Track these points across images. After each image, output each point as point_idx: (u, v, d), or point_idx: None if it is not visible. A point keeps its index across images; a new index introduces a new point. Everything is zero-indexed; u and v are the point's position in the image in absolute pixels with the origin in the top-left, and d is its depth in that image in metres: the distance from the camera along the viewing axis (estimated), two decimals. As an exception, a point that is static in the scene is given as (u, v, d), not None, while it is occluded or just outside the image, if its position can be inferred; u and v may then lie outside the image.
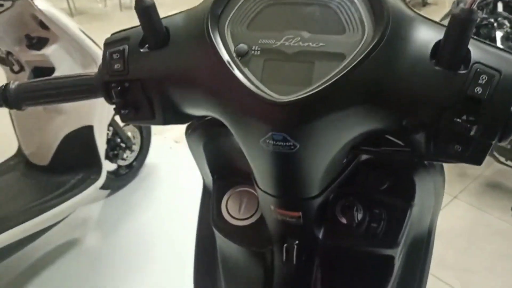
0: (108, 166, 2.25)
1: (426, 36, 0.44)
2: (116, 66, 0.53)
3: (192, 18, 0.52)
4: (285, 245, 0.63)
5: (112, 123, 2.12)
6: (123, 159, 2.30)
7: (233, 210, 0.74)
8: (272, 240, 0.66)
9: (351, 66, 0.42)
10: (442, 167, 0.62)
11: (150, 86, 0.53)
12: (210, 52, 0.47)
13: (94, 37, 1.73)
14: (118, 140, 2.22)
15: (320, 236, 0.63)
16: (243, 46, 0.47)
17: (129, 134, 2.30)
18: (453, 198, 2.36)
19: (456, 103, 0.41)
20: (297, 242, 0.62)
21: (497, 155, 2.35)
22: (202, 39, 0.48)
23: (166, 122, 0.57)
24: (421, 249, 0.71)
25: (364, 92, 0.43)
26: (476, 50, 0.42)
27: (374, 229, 0.60)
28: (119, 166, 2.35)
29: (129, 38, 0.54)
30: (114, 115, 2.09)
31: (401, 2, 0.47)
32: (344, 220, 0.62)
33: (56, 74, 1.67)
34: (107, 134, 2.14)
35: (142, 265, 1.92)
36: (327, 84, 0.42)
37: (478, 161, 0.45)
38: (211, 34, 0.48)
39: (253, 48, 0.47)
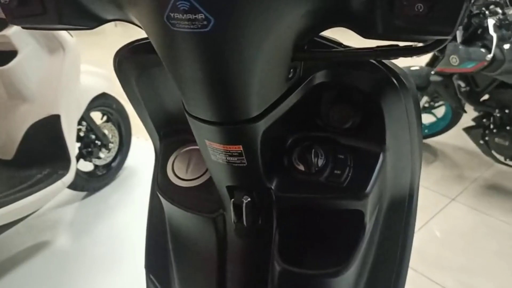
0: (83, 166, 2.13)
1: None
2: None
3: None
4: (232, 200, 0.52)
5: (86, 118, 2.01)
6: (98, 157, 2.17)
7: (180, 171, 0.64)
8: (222, 199, 0.56)
9: None
10: (415, 91, 0.51)
11: None
12: None
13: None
14: (93, 137, 2.10)
15: (273, 187, 0.52)
16: None
17: (106, 131, 2.19)
18: (451, 200, 2.22)
19: None
20: (247, 197, 0.52)
21: (496, 154, 2.23)
22: None
23: (62, 20, 0.44)
24: (401, 212, 0.60)
25: None
26: None
27: (337, 177, 0.51)
28: (95, 166, 2.22)
29: None
30: (88, 110, 1.99)
31: None
32: (301, 167, 0.52)
33: (19, 58, 1.57)
34: (80, 129, 2.03)
35: (114, 268, 1.77)
36: None
37: (448, 26, 0.32)
38: None
39: None
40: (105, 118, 2.24)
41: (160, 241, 0.73)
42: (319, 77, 0.48)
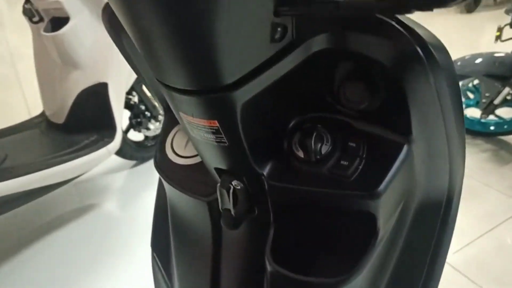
0: (133, 136, 2.17)
1: None
2: None
3: None
4: (218, 185, 0.45)
5: (137, 89, 2.02)
6: (147, 128, 2.19)
7: (178, 147, 0.57)
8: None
9: None
10: (450, 67, 0.38)
11: None
12: None
13: None
14: (143, 107, 2.11)
15: (265, 173, 0.43)
16: None
17: (156, 103, 2.20)
18: (525, 208, 1.93)
19: None
20: (238, 183, 0.45)
21: None
22: None
23: None
24: (435, 217, 0.49)
25: None
26: None
27: (344, 169, 0.41)
28: (145, 137, 2.25)
29: None
30: (139, 82, 2.00)
31: None
32: (301, 154, 0.42)
33: (71, 25, 1.60)
34: (130, 99, 2.05)
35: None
36: None
37: None
38: None
39: None
40: (157, 90, 2.25)
41: (165, 219, 0.68)
42: (319, 42, 0.37)
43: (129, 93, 1.99)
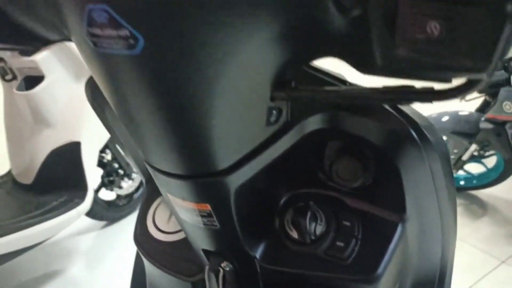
0: (104, 194, 2.08)
1: None
2: None
3: None
4: (206, 267, 0.43)
5: (110, 146, 1.98)
6: (120, 187, 2.12)
7: (160, 221, 0.54)
8: (202, 261, 0.46)
9: None
10: (443, 146, 0.38)
11: None
12: None
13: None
14: (116, 166, 2.05)
15: (258, 256, 0.41)
16: None
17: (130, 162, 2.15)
18: (501, 262, 1.96)
19: None
20: (228, 265, 0.42)
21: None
22: None
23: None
24: None
25: None
26: None
27: (340, 251, 0.39)
28: (117, 196, 2.17)
29: None
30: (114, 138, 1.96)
31: None
32: (294, 234, 0.41)
33: (45, 84, 1.57)
34: (103, 158, 2.00)
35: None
36: None
37: (480, 58, 0.20)
38: None
39: None
40: (131, 147, 2.22)
41: None
42: (314, 123, 0.37)
43: (102, 150, 1.93)
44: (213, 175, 0.33)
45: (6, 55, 1.57)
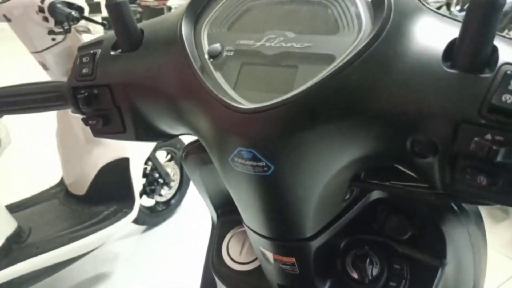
0: (145, 201, 2.24)
1: (438, 32, 0.34)
2: (84, 70, 0.48)
3: (168, 19, 0.47)
4: None
5: (152, 158, 2.13)
6: (160, 195, 2.28)
7: (234, 252, 0.65)
8: None
9: (338, 68, 0.33)
10: (478, 213, 0.50)
11: (119, 93, 0.47)
12: (179, 53, 0.41)
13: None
14: (157, 175, 2.21)
15: None
16: (215, 47, 0.41)
17: (169, 170, 2.30)
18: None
19: (477, 117, 0.31)
20: None
21: None
22: (174, 40, 0.43)
23: (138, 137, 0.51)
24: None
25: (355, 100, 0.34)
26: (505, 48, 0.32)
27: None
28: (156, 202, 2.33)
29: (103, 42, 0.50)
30: (155, 150, 2.11)
31: None
32: (355, 275, 0.51)
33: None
34: (146, 168, 2.15)
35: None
36: (307, 90, 0.34)
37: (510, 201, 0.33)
38: (182, 33, 0.42)
39: (228, 48, 0.40)
40: (169, 156, 2.37)
41: None
42: (376, 195, 0.49)
43: (144, 162, 2.09)
44: (300, 240, 0.44)
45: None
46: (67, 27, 1.47)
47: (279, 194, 0.39)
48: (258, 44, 0.39)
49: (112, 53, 0.48)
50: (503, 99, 0.29)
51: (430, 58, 0.33)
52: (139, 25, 0.48)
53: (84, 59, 0.48)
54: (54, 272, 1.68)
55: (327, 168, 0.38)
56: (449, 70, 0.32)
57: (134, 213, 1.87)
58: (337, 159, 0.37)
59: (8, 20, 1.56)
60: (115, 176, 1.84)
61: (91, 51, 0.48)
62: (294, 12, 0.40)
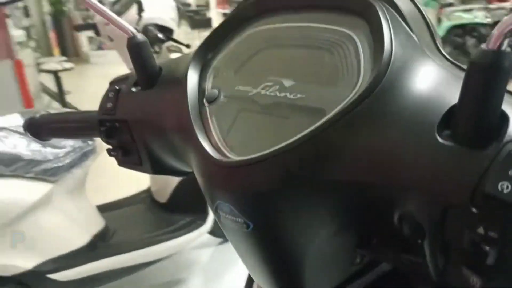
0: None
1: (439, 93, 0.29)
2: (108, 105, 0.51)
3: (184, 58, 0.48)
4: None
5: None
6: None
7: None
8: None
9: (318, 126, 0.31)
10: None
11: (135, 129, 0.50)
12: (182, 95, 0.42)
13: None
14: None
15: None
16: (213, 91, 0.41)
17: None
18: None
19: (469, 203, 0.25)
20: None
21: None
22: (182, 81, 0.43)
23: (155, 171, 0.53)
24: None
25: (332, 164, 0.30)
26: None
27: None
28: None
29: (128, 78, 0.52)
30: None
31: (425, 38, 0.33)
32: None
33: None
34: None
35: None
36: (285, 147, 0.32)
37: None
38: (187, 76, 0.43)
39: (225, 94, 0.40)
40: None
41: None
42: (387, 266, 0.43)
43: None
44: None
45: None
46: (158, 49, 1.61)
47: (266, 251, 0.37)
48: (254, 91, 0.38)
49: (133, 89, 0.50)
50: (499, 187, 0.22)
51: (424, 125, 0.27)
52: (159, 63, 0.49)
53: (109, 94, 0.51)
54: (132, 272, 1.80)
55: (310, 233, 0.34)
56: (443, 142, 0.26)
57: (207, 226, 1.94)
58: (320, 224, 0.34)
59: (111, 40, 1.76)
60: (191, 188, 1.92)
61: (116, 87, 0.51)
62: (299, 57, 0.38)
